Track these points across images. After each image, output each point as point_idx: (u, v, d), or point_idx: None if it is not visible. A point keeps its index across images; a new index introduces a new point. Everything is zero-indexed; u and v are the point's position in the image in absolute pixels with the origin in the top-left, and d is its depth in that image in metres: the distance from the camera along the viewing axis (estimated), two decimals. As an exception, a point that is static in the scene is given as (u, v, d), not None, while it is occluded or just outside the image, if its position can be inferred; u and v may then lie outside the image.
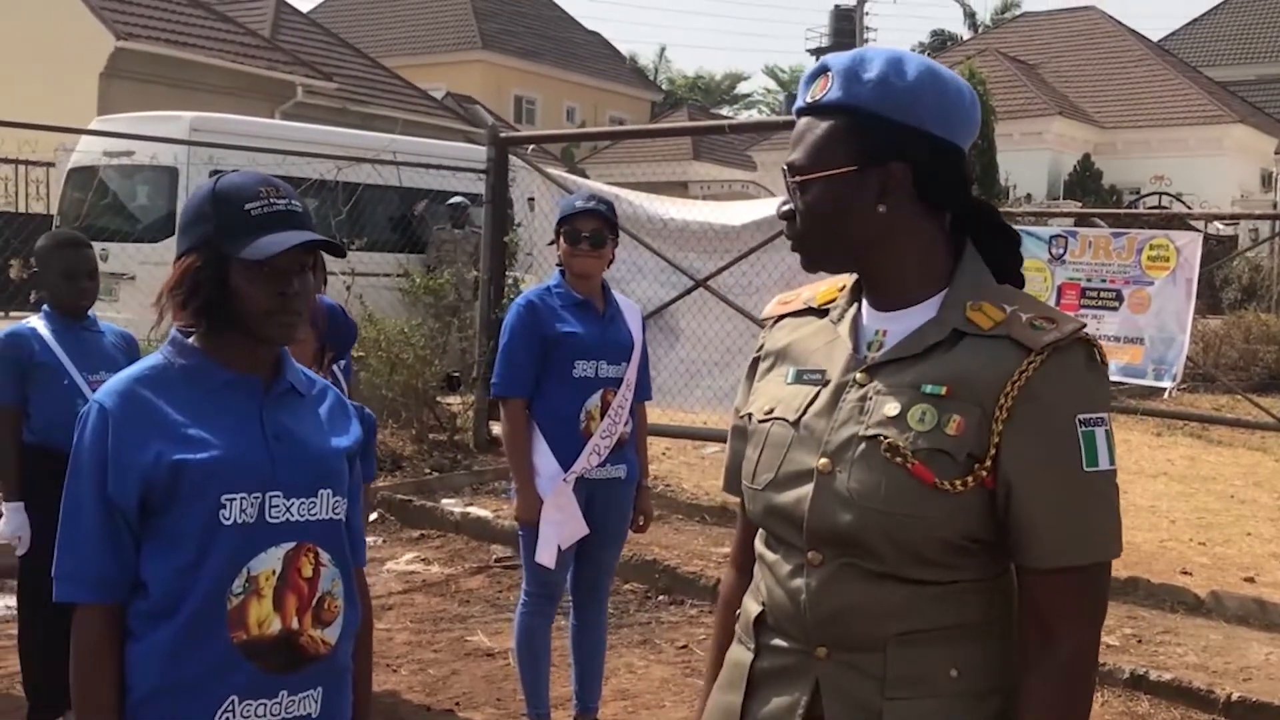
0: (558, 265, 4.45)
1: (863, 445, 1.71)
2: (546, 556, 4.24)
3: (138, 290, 10.83)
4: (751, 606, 1.87)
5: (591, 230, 4.29)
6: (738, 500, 2.00)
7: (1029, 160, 29.25)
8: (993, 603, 1.74)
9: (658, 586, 6.53)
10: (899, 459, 1.68)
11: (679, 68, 66.09)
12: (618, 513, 4.41)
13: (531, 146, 9.20)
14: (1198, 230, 14.19)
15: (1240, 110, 32.83)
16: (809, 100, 1.78)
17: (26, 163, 18.22)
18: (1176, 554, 7.45)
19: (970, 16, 51.73)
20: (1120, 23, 37.24)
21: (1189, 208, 24.08)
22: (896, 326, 1.77)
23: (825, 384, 1.79)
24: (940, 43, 51.32)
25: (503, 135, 8.82)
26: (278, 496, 2.17)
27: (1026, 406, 1.65)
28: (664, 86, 55.89)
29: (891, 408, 1.71)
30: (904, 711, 1.70)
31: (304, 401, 2.31)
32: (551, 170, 9.00)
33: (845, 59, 1.76)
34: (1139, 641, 5.79)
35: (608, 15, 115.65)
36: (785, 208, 1.80)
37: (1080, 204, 25.02)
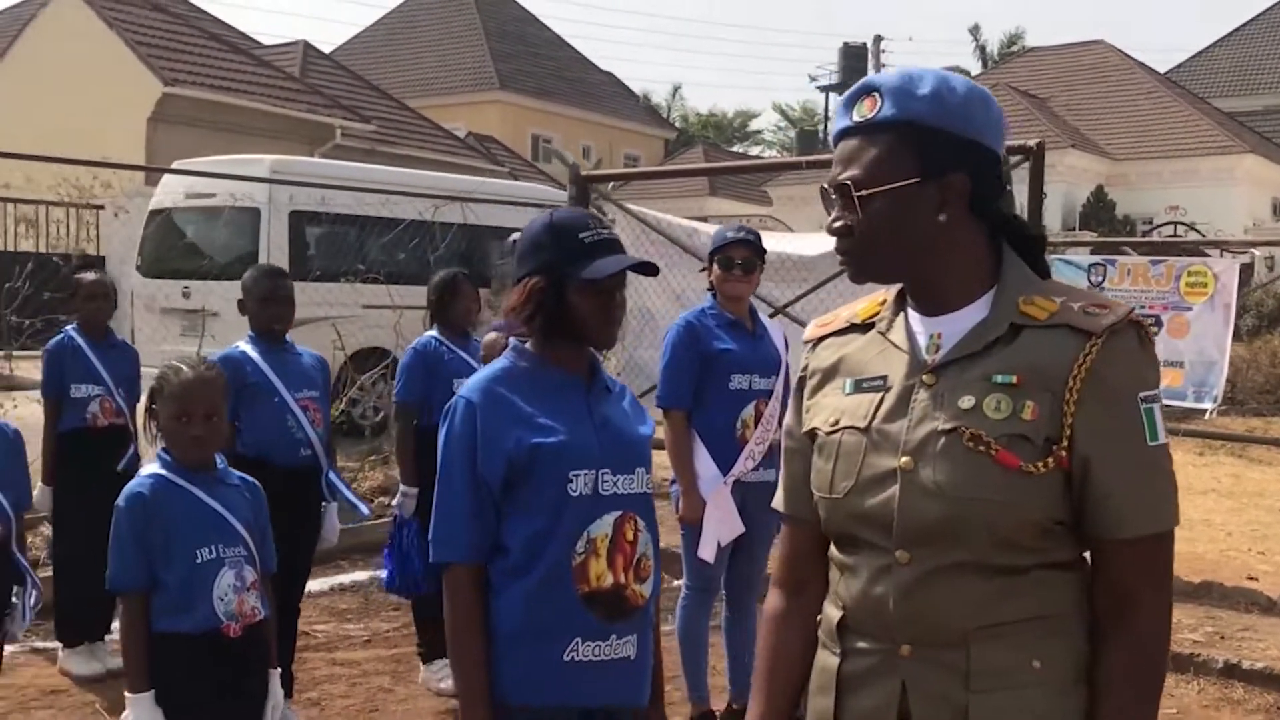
0: (709, 289, 4.91)
1: (943, 439, 1.77)
2: (708, 553, 4.69)
3: (222, 326, 11.35)
4: (832, 612, 1.92)
5: (743, 258, 4.76)
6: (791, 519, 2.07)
7: (1046, 191, 29.77)
8: (1071, 593, 1.80)
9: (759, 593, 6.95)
10: (981, 447, 1.74)
11: (692, 105, 66.63)
12: (769, 513, 4.85)
13: (611, 184, 9.73)
14: (1230, 255, 14.63)
15: (1250, 140, 33.34)
16: (857, 120, 1.85)
17: (79, 205, 18.80)
18: (1240, 562, 7.89)
19: (980, 50, 52.37)
20: (1128, 55, 37.77)
21: (1202, 235, 24.53)
22: (950, 328, 1.84)
23: (888, 389, 1.86)
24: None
25: (583, 174, 9.30)
26: (607, 473, 2.64)
27: (1093, 387, 1.73)
28: (677, 124, 56.57)
29: (966, 401, 1.77)
30: (989, 704, 1.75)
31: (612, 396, 2.78)
32: (631, 206, 9.47)
33: (893, 78, 1.84)
34: (1221, 638, 6.22)
35: (621, 55, 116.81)
36: (838, 224, 1.85)
37: (1096, 234, 25.46)
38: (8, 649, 4.06)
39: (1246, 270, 22.53)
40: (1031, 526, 1.74)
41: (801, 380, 2.04)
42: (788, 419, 2.05)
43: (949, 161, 1.81)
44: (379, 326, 11.58)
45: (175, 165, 12.21)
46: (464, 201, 10.66)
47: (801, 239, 9.34)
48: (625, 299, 2.74)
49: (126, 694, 3.13)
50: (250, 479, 3.41)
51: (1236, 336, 18.51)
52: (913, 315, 1.89)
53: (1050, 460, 1.73)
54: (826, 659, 1.92)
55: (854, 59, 51.90)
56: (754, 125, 63.30)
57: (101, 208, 18.53)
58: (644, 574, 2.68)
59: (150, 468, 3.26)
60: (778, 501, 2.08)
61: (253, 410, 4.78)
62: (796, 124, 59.78)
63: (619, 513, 2.64)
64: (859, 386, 1.90)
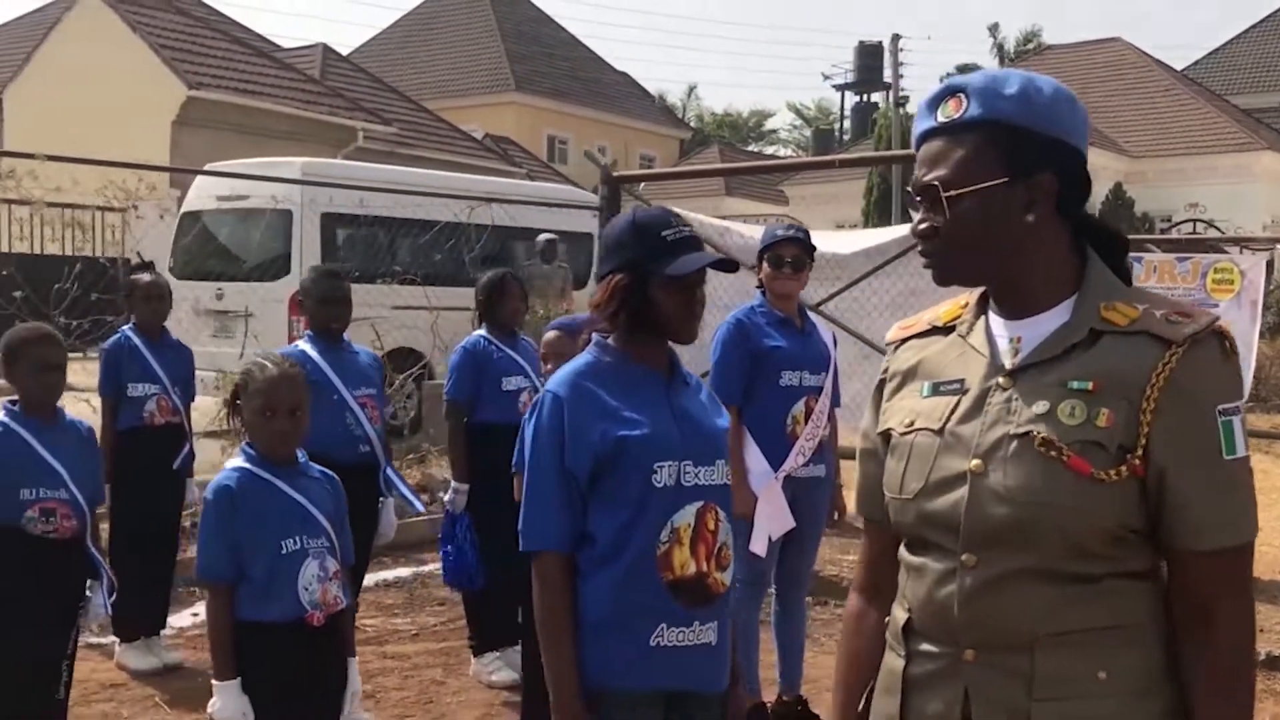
0: (758, 287, 4.99)
1: (1015, 443, 1.76)
2: (760, 547, 4.77)
3: (253, 326, 11.48)
4: (899, 614, 1.92)
5: (793, 255, 4.85)
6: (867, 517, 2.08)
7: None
8: (1145, 602, 1.77)
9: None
10: (1054, 452, 1.73)
11: (707, 105, 66.71)
12: (819, 508, 4.95)
13: (643, 185, 9.85)
14: (1252, 251, 14.64)
15: (1269, 137, 33.30)
16: (942, 120, 1.84)
17: (104, 209, 18.93)
18: (1271, 557, 7.94)
19: (998, 49, 52.33)
20: (1145, 53, 37.73)
21: (1221, 232, 24.50)
22: (1030, 332, 1.83)
23: (965, 392, 1.85)
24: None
25: (615, 175, 9.40)
26: (689, 465, 2.73)
27: (1172, 397, 1.71)
28: (692, 124, 56.65)
29: (1040, 405, 1.76)
30: (1052, 712, 1.73)
31: (690, 390, 2.87)
32: (665, 207, 9.57)
33: (979, 78, 1.84)
34: (1261, 630, 6.28)
35: (636, 55, 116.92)
36: (924, 225, 1.85)
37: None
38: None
39: (1268, 268, 22.52)
40: (1103, 534, 1.73)
41: (881, 382, 2.03)
42: (864, 421, 2.05)
43: (1037, 161, 1.80)
44: (409, 327, 11.68)
45: (207, 168, 12.31)
46: (500, 203, 10.75)
47: (835, 237, 9.43)
48: (705, 295, 2.83)
49: (214, 682, 3.22)
50: (330, 472, 3.51)
51: (1259, 334, 18.56)
52: (994, 319, 1.89)
53: (1124, 469, 1.71)
54: (893, 661, 1.93)
55: (869, 57, 51.99)
56: (769, 125, 63.40)
57: (124, 210, 18.70)
58: (724, 562, 2.77)
59: (234, 462, 3.35)
60: (854, 503, 2.11)
61: (313, 408, 4.84)
62: (812, 123, 59.81)
63: (701, 503, 2.73)
64: (936, 389, 1.90)
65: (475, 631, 5.71)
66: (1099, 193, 31.48)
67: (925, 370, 1.94)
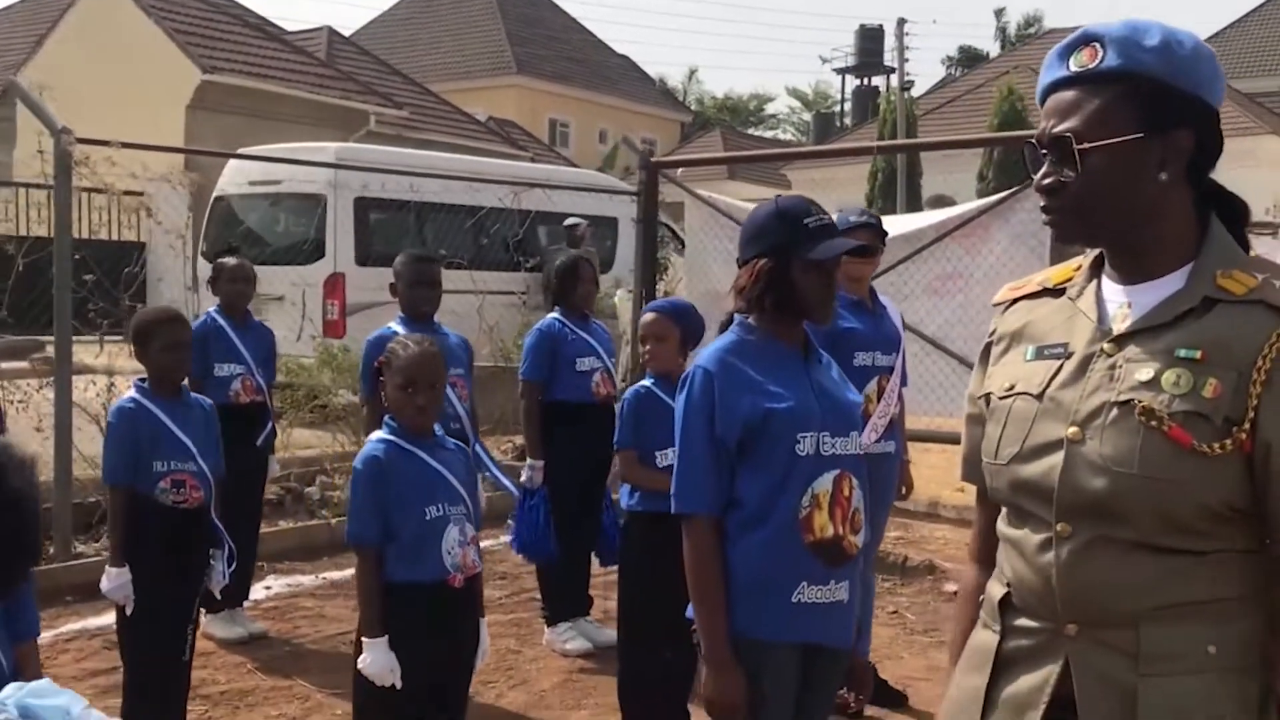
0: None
1: (1115, 411, 1.70)
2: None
3: (285, 309, 11.68)
4: (995, 589, 1.87)
5: (866, 241, 5.05)
6: (974, 489, 2.03)
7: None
8: (1252, 577, 1.70)
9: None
10: (1154, 422, 1.66)
11: (707, 89, 66.83)
12: (888, 482, 5.17)
13: (681, 170, 10.08)
14: (1266, 236, 14.87)
15: (1271, 122, 33.50)
16: (1075, 69, 1.77)
17: (124, 193, 19.05)
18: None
19: (1001, 32, 52.51)
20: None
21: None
22: (1143, 298, 1.77)
23: (1068, 356, 1.79)
24: (969, 59, 52.35)
25: (654, 160, 9.61)
26: (827, 435, 2.95)
27: None
28: (693, 108, 56.76)
29: (1144, 373, 1.69)
30: (1161, 688, 1.67)
31: (823, 366, 3.09)
32: (701, 191, 9.77)
33: (1118, 28, 1.76)
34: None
35: (636, 38, 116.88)
36: (1049, 180, 1.78)
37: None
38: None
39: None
40: (1201, 509, 1.65)
41: (988, 346, 1.98)
42: (971, 385, 2.01)
43: (1174, 118, 1.73)
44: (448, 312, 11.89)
45: (244, 151, 12.48)
46: (542, 188, 10.96)
47: (870, 222, 9.64)
48: (838, 280, 3.05)
49: (363, 639, 3.45)
50: (462, 444, 3.73)
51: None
52: (1107, 282, 1.83)
53: (1229, 442, 1.64)
54: (985, 637, 1.87)
55: (870, 41, 52.09)
56: (769, 109, 63.56)
57: (142, 194, 18.83)
58: (857, 526, 3.00)
59: (379, 434, 3.57)
60: (960, 471, 2.06)
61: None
62: (811, 107, 59.95)
63: (838, 471, 2.95)
64: (1040, 353, 1.84)
65: (549, 602, 5.94)
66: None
67: (1031, 333, 1.89)
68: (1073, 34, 1.82)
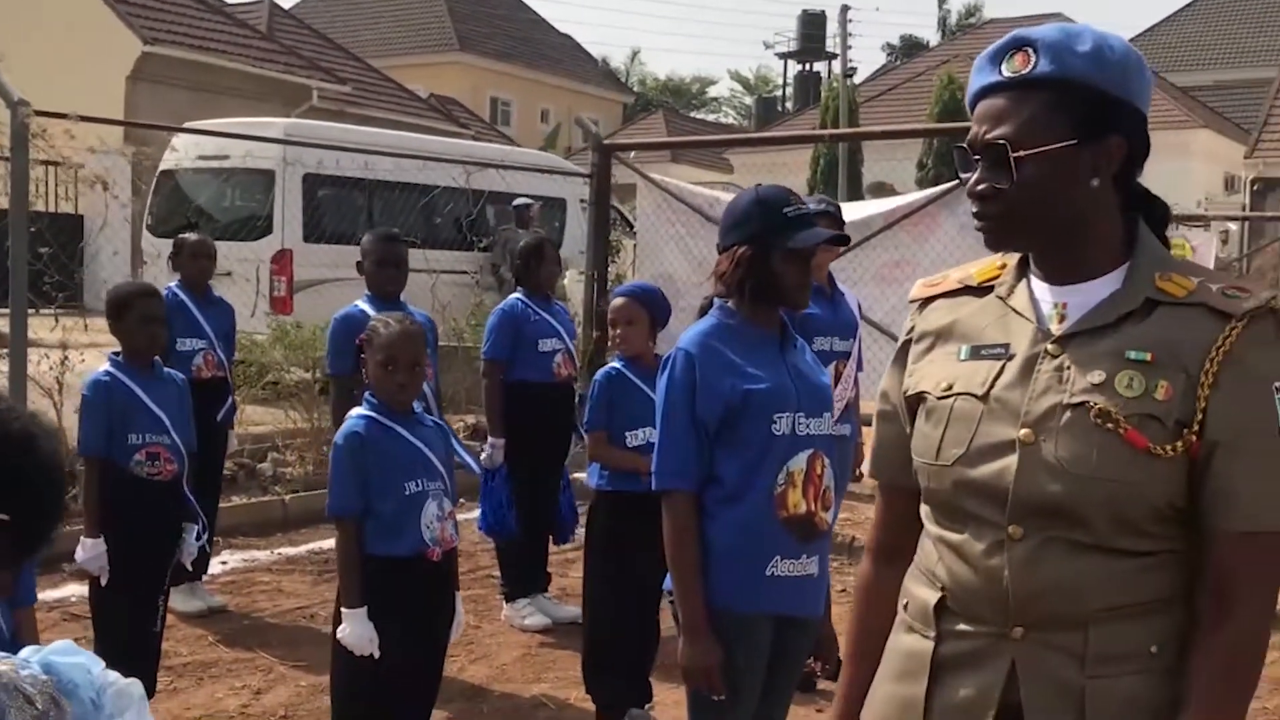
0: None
1: (1068, 413, 1.70)
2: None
3: (233, 285, 11.62)
4: (925, 593, 1.84)
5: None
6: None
7: (1004, 163, 30.30)
8: (1184, 577, 1.72)
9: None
10: (1110, 424, 1.67)
11: (650, 70, 66.90)
12: (844, 465, 5.32)
13: (634, 153, 10.18)
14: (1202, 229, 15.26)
15: (1203, 115, 34.17)
16: (1008, 75, 1.76)
17: (58, 164, 18.82)
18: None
19: (941, 21, 52.98)
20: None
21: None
22: (1078, 299, 1.77)
23: (1010, 357, 1.78)
24: (909, 48, 52.80)
25: (606, 143, 9.71)
26: (802, 416, 3.08)
27: (1231, 372, 1.66)
28: (635, 89, 56.77)
29: (1096, 375, 1.69)
30: (1107, 690, 1.68)
31: (798, 350, 3.22)
32: (654, 175, 9.88)
33: (1050, 32, 1.76)
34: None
35: (578, 18, 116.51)
36: (981, 187, 1.77)
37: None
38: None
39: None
40: (1151, 511, 1.68)
41: (906, 344, 1.97)
42: (884, 382, 2.00)
43: (1107, 124, 1.74)
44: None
45: (193, 125, 12.37)
46: (496, 168, 11.01)
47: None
48: (813, 267, 3.17)
49: (343, 610, 3.53)
50: (441, 421, 3.82)
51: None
52: (1037, 283, 1.83)
53: (1179, 444, 1.67)
54: (915, 643, 1.84)
55: (812, 26, 52.35)
56: (711, 92, 63.74)
57: (83, 166, 18.59)
58: (828, 503, 3.14)
59: (360, 410, 3.65)
60: (867, 465, 2.13)
61: (372, 364, 5.15)
62: (753, 91, 60.18)
63: (811, 450, 3.08)
64: (977, 353, 1.82)
65: (508, 578, 6.03)
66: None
67: (961, 332, 1.87)
68: (1004, 38, 1.81)
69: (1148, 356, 1.69)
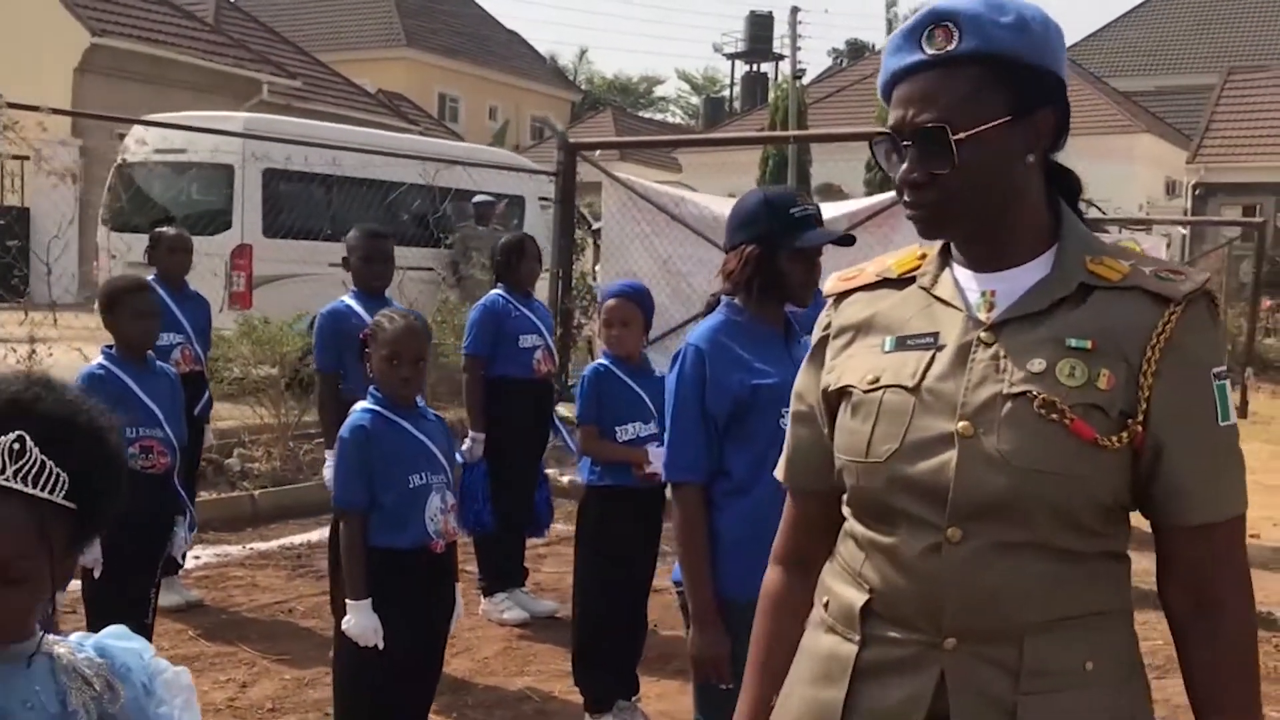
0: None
1: (1009, 404, 1.61)
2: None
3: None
4: (850, 594, 1.74)
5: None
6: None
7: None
8: (1122, 588, 1.69)
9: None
10: (1054, 415, 1.59)
11: (597, 69, 66.99)
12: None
13: (599, 151, 10.20)
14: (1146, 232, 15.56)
15: (1146, 120, 34.70)
16: (932, 53, 1.66)
17: (25, 159, 18.56)
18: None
19: (889, 23, 53.41)
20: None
21: (1103, 213, 25.62)
22: (1005, 286, 1.69)
23: (940, 347, 1.69)
24: (858, 50, 53.22)
25: (572, 141, 9.77)
26: (806, 410, 3.15)
27: (1172, 359, 1.60)
28: (583, 87, 56.77)
29: (1036, 364, 1.61)
30: (1040, 706, 1.61)
31: (802, 346, 3.28)
32: (619, 174, 9.94)
33: (969, 6, 1.66)
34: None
35: (526, 15, 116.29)
36: (915, 174, 1.67)
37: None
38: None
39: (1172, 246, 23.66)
40: (1095, 506, 1.62)
41: (823, 339, 1.88)
42: (799, 383, 1.93)
43: (1038, 97, 1.67)
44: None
45: (154, 118, 12.27)
46: (462, 165, 11.04)
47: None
48: (821, 266, 3.25)
49: (348, 601, 3.57)
50: (440, 416, 3.86)
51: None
52: (960, 270, 1.75)
53: (1125, 435, 1.60)
54: (836, 645, 1.75)
55: (760, 27, 52.64)
56: (659, 91, 63.90)
57: (27, 159, 18.34)
58: (832, 496, 3.22)
59: (364, 404, 3.69)
60: (779, 470, 2.00)
61: (356, 358, 5.16)
62: (700, 91, 60.39)
63: (824, 443, 3.16)
64: (903, 344, 1.73)
65: (486, 573, 6.08)
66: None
67: (883, 324, 1.77)
68: (919, 14, 1.70)
69: (1089, 344, 1.62)
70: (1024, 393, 1.61)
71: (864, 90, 34.67)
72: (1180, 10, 43.63)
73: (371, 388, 3.71)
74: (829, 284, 1.90)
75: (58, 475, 1.65)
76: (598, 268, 10.70)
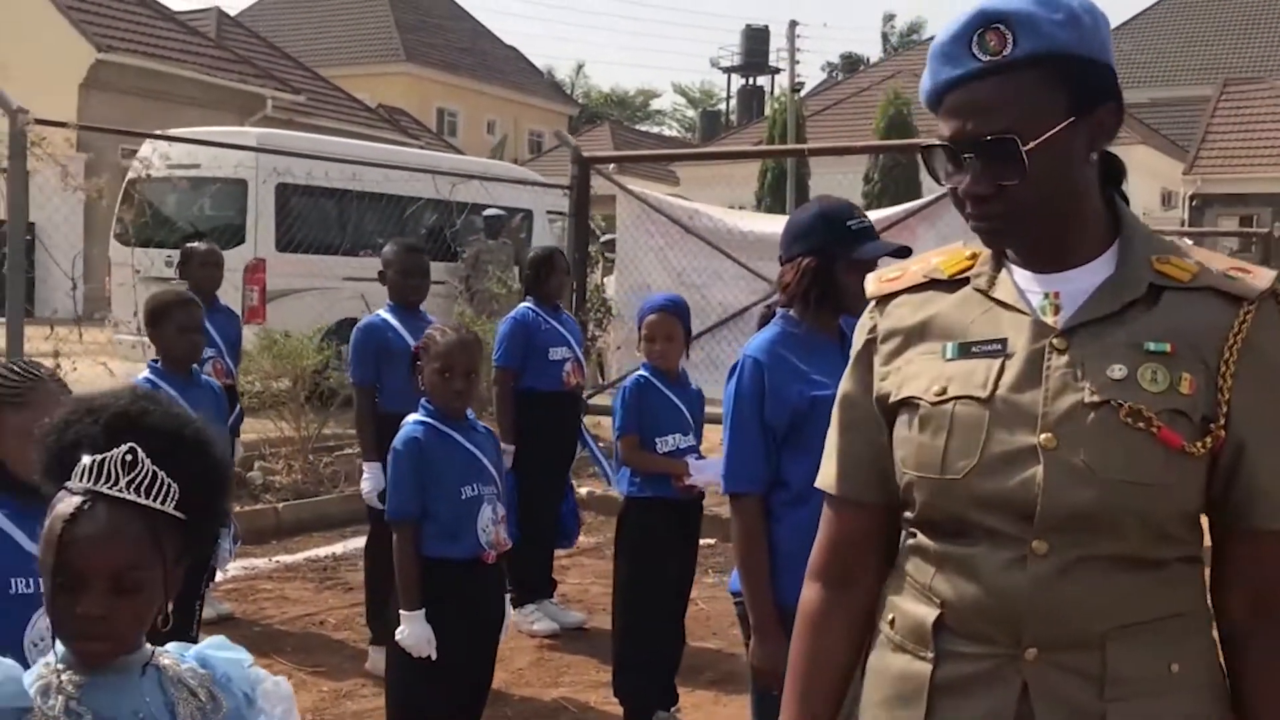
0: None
1: (1092, 414, 1.56)
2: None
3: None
4: (920, 610, 1.68)
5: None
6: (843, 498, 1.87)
7: (948, 178, 30.76)
8: (1199, 588, 1.64)
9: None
10: (1141, 423, 1.54)
11: (594, 83, 67.23)
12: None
13: (613, 165, 10.22)
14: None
15: (1141, 132, 34.84)
16: (987, 59, 1.60)
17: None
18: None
19: (884, 38, 53.64)
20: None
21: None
22: (1069, 287, 1.64)
23: (1009, 354, 1.63)
24: (851, 64, 53.40)
25: (586, 156, 9.81)
26: (862, 421, 3.19)
27: (1249, 360, 1.57)
28: (580, 101, 56.91)
29: (1116, 370, 1.57)
30: (1128, 713, 1.57)
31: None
32: (632, 187, 9.99)
33: (1022, 4, 1.60)
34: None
35: (524, 30, 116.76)
36: (981, 188, 1.62)
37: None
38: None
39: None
40: (1181, 515, 1.59)
41: (870, 343, 1.80)
42: (846, 387, 1.86)
43: (1098, 92, 1.61)
44: (358, 298, 11.96)
45: (168, 134, 12.29)
46: (480, 180, 11.11)
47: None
48: (873, 277, 3.30)
49: (401, 611, 3.60)
50: (490, 429, 3.90)
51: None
52: (1018, 272, 1.68)
53: (1209, 440, 1.56)
54: (908, 664, 1.69)
55: (756, 41, 52.82)
56: (655, 104, 64.09)
57: (4, 171, 18.35)
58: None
59: (416, 416, 3.72)
60: (824, 481, 1.90)
61: (393, 372, 5.22)
62: (697, 104, 60.56)
63: (872, 452, 3.20)
64: (967, 350, 1.66)
65: (515, 584, 6.10)
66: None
67: (940, 329, 1.70)
68: (966, 16, 1.63)
69: (1167, 347, 1.57)
70: (1107, 401, 1.56)
71: (861, 103, 34.81)
72: (1174, 23, 43.86)
73: (423, 400, 3.75)
74: (871, 286, 1.84)
75: (169, 486, 1.69)
76: (608, 280, 10.74)
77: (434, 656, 3.58)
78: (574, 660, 5.62)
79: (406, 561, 3.63)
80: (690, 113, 61.32)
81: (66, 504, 1.66)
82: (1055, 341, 1.61)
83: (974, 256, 1.74)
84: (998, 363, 1.63)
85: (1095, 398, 1.56)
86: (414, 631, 3.58)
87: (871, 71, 42.37)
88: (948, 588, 1.65)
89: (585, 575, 7.03)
